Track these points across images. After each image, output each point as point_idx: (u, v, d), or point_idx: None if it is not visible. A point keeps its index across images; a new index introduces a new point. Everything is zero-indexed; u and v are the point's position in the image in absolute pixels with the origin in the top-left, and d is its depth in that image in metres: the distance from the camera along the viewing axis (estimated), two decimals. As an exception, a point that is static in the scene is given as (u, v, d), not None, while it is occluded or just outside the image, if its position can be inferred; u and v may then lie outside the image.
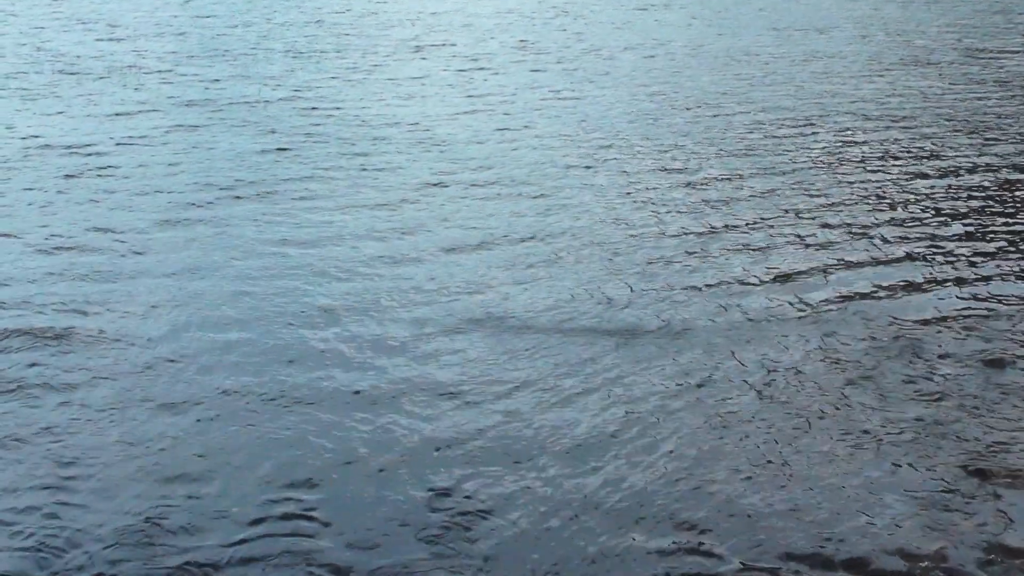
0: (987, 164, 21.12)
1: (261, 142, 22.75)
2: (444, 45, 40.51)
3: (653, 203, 17.93)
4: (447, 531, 8.75)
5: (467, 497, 9.24)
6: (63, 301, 13.52)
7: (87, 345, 12.20)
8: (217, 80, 30.96)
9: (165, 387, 11.21)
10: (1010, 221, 17.33)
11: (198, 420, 10.53)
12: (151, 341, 12.30)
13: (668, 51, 38.29)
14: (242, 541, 8.62)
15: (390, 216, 17.31)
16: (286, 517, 8.94)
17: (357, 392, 11.07)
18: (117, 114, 25.57)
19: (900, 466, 9.76)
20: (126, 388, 11.20)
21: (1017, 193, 18.92)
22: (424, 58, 36.59)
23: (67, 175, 19.70)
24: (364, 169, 20.48)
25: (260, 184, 19.20)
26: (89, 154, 21.34)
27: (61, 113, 25.60)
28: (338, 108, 26.84)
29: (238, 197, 18.30)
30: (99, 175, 19.75)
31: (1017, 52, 37.87)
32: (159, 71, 32.42)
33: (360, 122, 25.09)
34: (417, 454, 9.94)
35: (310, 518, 8.93)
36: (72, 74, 31.49)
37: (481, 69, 33.92)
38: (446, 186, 19.16)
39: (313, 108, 26.80)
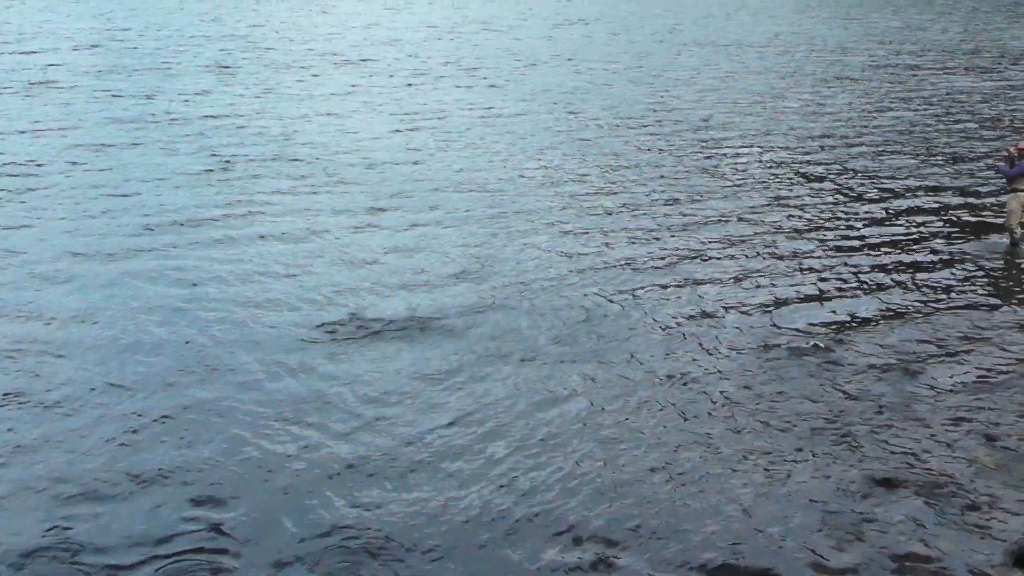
0: (904, 180, 21.45)
1: (186, 163, 22.08)
2: (370, 60, 40.43)
3: (586, 225, 17.88)
4: (359, 547, 8.63)
5: (380, 513, 9.10)
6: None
7: None
8: (136, 96, 30.26)
9: (76, 406, 10.79)
10: (921, 234, 17.64)
11: (110, 438, 10.14)
12: (64, 360, 11.81)
13: (592, 67, 38.47)
14: (153, 558, 8.41)
15: (324, 244, 16.86)
16: (197, 534, 8.74)
17: (271, 411, 10.73)
18: (32, 132, 24.76)
19: (810, 477, 9.78)
20: (38, 406, 10.88)
21: (932, 208, 19.25)
22: (350, 74, 36.42)
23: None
24: (299, 194, 19.96)
25: (185, 211, 18.48)
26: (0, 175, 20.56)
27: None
28: (266, 126, 26.34)
29: (158, 225, 17.60)
30: (12, 199, 18.95)
31: (933, 70, 38.79)
32: (75, 86, 31.75)
33: (290, 142, 24.58)
34: (331, 470, 9.78)
35: (221, 535, 8.73)
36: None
37: (410, 86, 33.79)
38: (388, 211, 18.66)
39: (239, 126, 26.20)
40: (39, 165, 21.59)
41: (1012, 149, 17.20)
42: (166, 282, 14.76)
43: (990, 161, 22.99)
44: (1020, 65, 40.62)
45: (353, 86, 33.40)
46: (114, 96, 30.28)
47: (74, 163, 21.83)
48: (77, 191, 19.62)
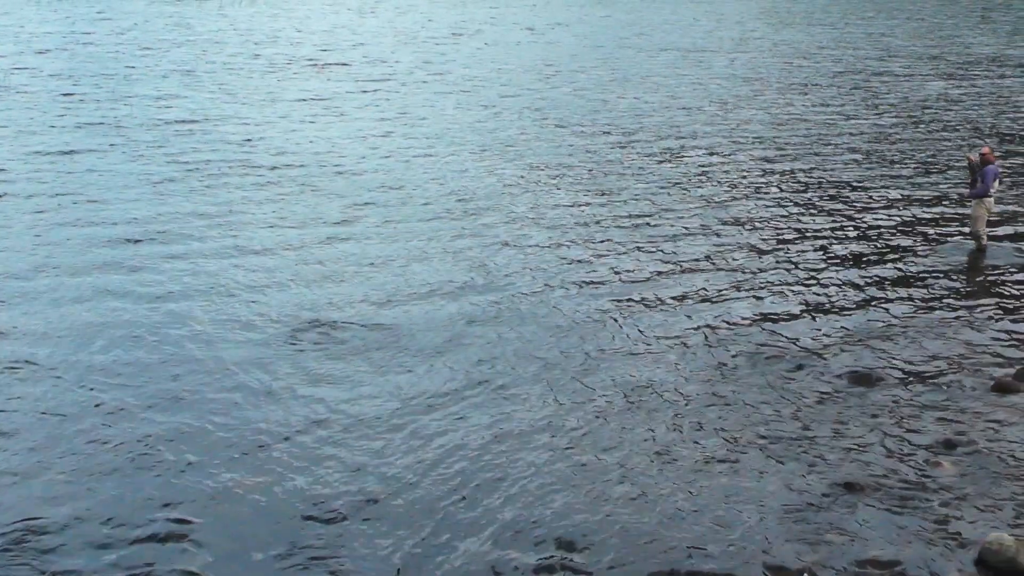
0: (872, 187, 21.62)
1: (153, 170, 21.85)
2: (337, 65, 40.28)
3: (559, 236, 17.99)
4: (322, 551, 8.66)
5: (343, 517, 9.14)
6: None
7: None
8: (102, 100, 30.03)
9: (40, 428, 10.74)
10: (888, 243, 17.78)
11: (75, 462, 10.09)
12: (30, 380, 11.83)
13: (560, 73, 38.49)
14: (117, 564, 8.43)
15: (295, 256, 16.74)
16: (163, 538, 8.78)
17: (239, 435, 10.73)
18: (-5, 137, 24.60)
19: (772, 481, 9.87)
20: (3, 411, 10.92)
21: (899, 216, 19.43)
22: (317, 79, 36.29)
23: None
24: (268, 202, 19.79)
25: (153, 221, 18.26)
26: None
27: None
28: (232, 131, 26.14)
29: (127, 236, 17.36)
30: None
31: (902, 76, 39.06)
32: (39, 90, 31.48)
33: (257, 148, 24.39)
34: (296, 475, 9.80)
35: (186, 539, 8.75)
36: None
37: (382, 90, 33.73)
38: (359, 221, 18.53)
39: (205, 131, 26.00)
40: (1, 171, 21.40)
41: (973, 157, 17.32)
42: (135, 298, 14.62)
43: (961, 168, 23.09)
44: (990, 71, 41.00)
45: (320, 91, 33.31)
46: (80, 101, 30.04)
47: (39, 169, 21.65)
48: (43, 199, 19.47)
